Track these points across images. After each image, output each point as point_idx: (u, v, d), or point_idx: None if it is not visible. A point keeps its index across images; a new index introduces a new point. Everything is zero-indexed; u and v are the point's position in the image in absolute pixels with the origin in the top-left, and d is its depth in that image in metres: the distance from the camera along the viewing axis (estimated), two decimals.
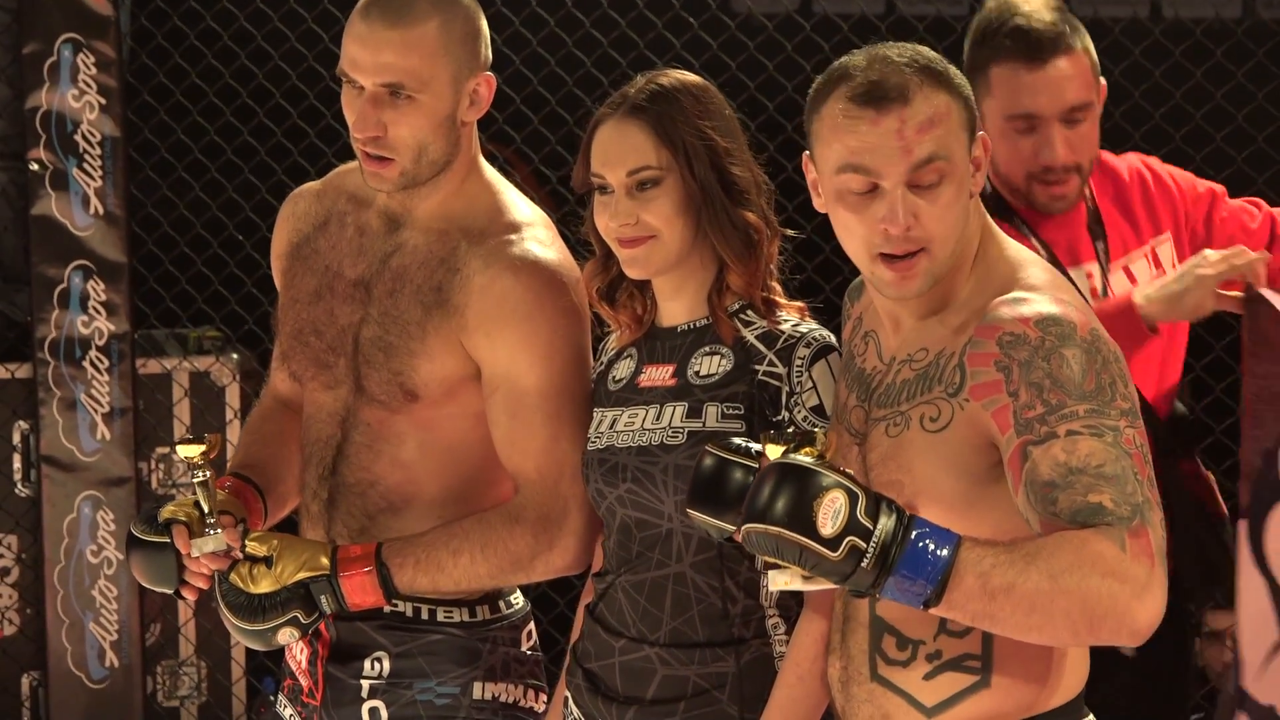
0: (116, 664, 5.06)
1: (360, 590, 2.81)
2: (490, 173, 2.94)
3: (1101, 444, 2.20)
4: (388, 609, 2.87)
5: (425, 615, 2.88)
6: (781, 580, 2.19)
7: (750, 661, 2.66)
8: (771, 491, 2.14)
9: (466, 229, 2.85)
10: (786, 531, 2.12)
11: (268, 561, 2.80)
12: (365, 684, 2.88)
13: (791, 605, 2.68)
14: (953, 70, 2.37)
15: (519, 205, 2.90)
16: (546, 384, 2.81)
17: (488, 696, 2.88)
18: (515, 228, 2.86)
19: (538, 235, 2.86)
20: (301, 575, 2.80)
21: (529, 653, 2.95)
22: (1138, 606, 2.15)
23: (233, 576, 2.81)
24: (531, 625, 2.98)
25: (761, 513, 2.13)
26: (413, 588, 2.83)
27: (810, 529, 2.12)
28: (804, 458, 2.17)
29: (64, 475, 5.04)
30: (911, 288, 2.35)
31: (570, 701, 2.79)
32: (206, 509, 2.81)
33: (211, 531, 2.80)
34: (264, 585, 2.80)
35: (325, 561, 2.81)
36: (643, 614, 2.69)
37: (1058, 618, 2.14)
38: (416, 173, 2.84)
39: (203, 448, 2.79)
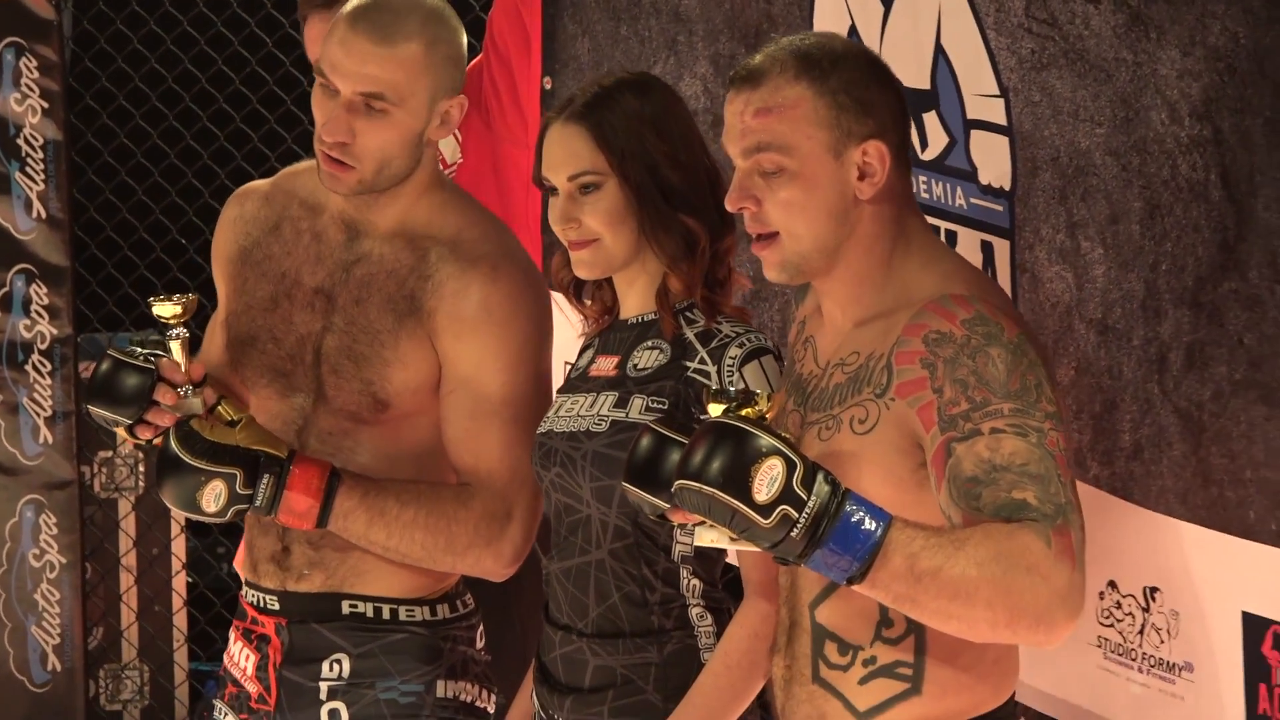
0: (59, 668, 5.04)
1: (303, 487, 2.73)
2: (451, 184, 2.96)
3: (1025, 443, 2.20)
4: (346, 609, 2.87)
5: (387, 615, 2.89)
6: (709, 538, 2.18)
7: (674, 652, 2.67)
8: (708, 451, 2.11)
9: (436, 238, 2.85)
10: (720, 493, 2.10)
11: (233, 424, 2.74)
12: (324, 685, 2.88)
13: (721, 597, 2.69)
14: (843, 69, 2.33)
15: (485, 214, 2.92)
16: (510, 391, 2.82)
17: (450, 695, 2.89)
18: (486, 235, 2.86)
19: (508, 242, 2.88)
20: (259, 447, 2.73)
21: (482, 654, 2.97)
22: (1058, 605, 2.14)
23: (194, 422, 2.72)
24: (482, 626, 2.99)
25: (697, 471, 2.11)
26: (346, 522, 2.77)
27: (744, 493, 2.09)
28: (744, 418, 2.15)
29: (6, 479, 5.02)
30: (770, 275, 2.37)
31: (534, 695, 2.81)
32: (184, 368, 2.76)
33: (193, 395, 2.75)
34: (222, 439, 2.72)
35: (285, 450, 2.75)
36: (573, 601, 2.71)
37: (979, 607, 2.13)
38: (375, 183, 2.81)
39: (178, 309, 2.74)
